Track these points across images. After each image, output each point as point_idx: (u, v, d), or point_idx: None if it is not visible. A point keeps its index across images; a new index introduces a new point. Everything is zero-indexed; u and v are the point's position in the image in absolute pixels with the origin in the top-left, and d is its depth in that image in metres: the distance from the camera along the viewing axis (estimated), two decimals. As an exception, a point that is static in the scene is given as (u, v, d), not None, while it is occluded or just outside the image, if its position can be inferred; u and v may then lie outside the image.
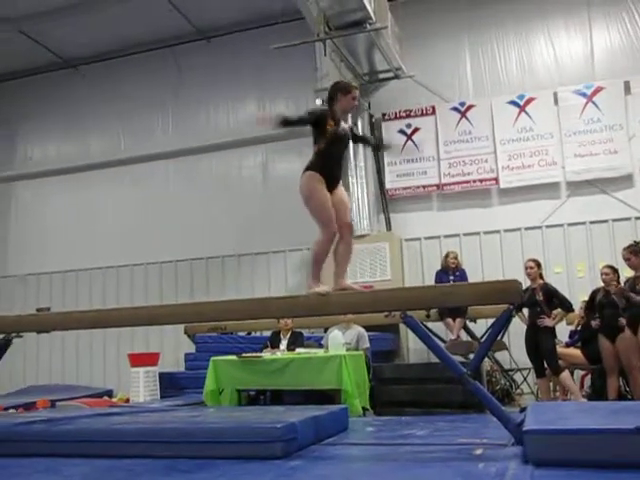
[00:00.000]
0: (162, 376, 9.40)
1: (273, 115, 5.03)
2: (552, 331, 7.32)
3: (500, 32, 10.81)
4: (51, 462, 4.35)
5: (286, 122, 4.82)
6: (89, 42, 12.58)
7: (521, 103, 10.39)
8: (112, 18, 11.72)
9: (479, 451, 4.14)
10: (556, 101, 10.27)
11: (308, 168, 4.81)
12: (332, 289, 4.70)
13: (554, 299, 7.33)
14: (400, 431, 5.19)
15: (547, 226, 10.07)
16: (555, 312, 7.38)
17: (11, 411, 8.21)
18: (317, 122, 4.81)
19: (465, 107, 10.68)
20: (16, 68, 13.45)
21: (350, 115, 10.66)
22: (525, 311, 7.49)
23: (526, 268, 7.55)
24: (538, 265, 7.56)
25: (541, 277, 7.52)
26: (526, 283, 7.54)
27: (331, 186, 4.78)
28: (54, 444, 4.69)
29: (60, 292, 12.71)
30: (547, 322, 7.22)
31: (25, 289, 13.04)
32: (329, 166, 4.81)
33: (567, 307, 7.36)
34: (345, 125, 5.01)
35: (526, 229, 10.17)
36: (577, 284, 9.51)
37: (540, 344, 7.23)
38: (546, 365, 7.35)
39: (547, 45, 10.57)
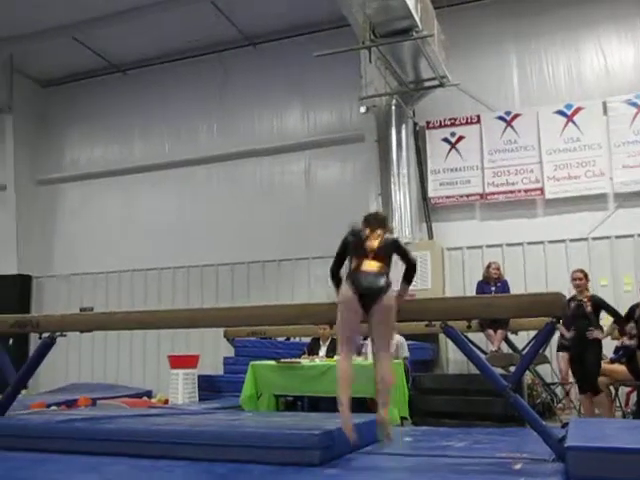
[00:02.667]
0: (201, 378, 9.46)
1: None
2: (599, 345, 7.13)
3: (548, 40, 10.67)
4: (91, 460, 4.42)
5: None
6: (137, 47, 12.81)
7: (569, 113, 10.22)
8: (160, 24, 11.94)
9: (519, 466, 4.07)
10: (605, 111, 10.08)
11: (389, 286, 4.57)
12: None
13: (602, 311, 7.13)
14: (438, 442, 5.13)
15: (593, 238, 9.87)
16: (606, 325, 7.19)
17: (53, 408, 8.36)
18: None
19: (511, 116, 10.55)
20: (66, 73, 13.78)
21: (395, 124, 10.70)
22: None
23: (574, 279, 7.34)
24: (586, 276, 7.35)
25: (587, 289, 7.33)
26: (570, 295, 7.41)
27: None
28: (94, 442, 4.76)
29: (103, 292, 12.93)
30: (597, 334, 7.02)
31: (69, 289, 13.30)
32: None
33: (621, 318, 7.13)
34: None
35: (571, 241, 9.98)
36: (624, 298, 9.27)
37: (585, 358, 7.04)
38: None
39: (597, 53, 10.39)
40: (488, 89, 10.79)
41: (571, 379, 8.37)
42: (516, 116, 10.53)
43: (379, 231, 4.63)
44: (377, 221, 4.73)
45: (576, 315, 7.08)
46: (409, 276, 4.72)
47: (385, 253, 4.59)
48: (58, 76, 13.90)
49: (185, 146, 12.81)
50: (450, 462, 4.29)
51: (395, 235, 4.99)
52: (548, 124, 10.30)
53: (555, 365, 8.89)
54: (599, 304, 7.13)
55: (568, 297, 7.27)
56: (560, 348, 8.51)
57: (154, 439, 4.66)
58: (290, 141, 12.05)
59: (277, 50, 12.18)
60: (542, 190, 10.22)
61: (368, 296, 4.45)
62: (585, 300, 7.13)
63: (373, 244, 4.56)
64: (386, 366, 4.62)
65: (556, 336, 7.48)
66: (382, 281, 4.50)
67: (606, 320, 7.39)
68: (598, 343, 7.10)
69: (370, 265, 4.52)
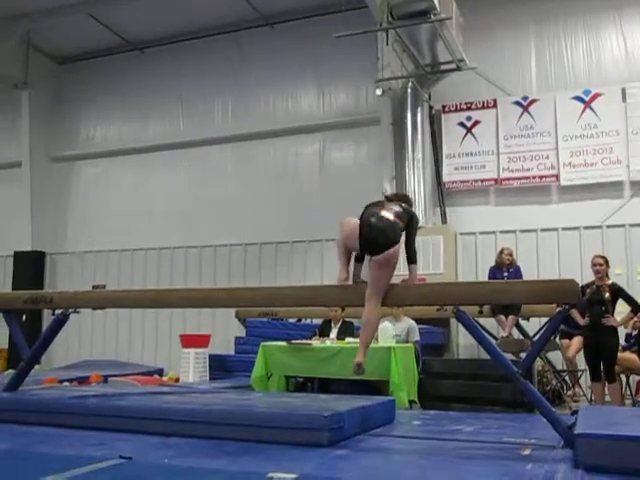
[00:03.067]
0: (212, 358, 9.52)
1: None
2: (615, 332, 7.09)
3: (568, 24, 10.54)
4: (102, 436, 4.47)
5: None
6: (154, 25, 12.77)
7: (586, 99, 10.11)
8: (177, 2, 11.88)
9: (527, 451, 4.07)
10: (624, 97, 9.96)
11: (400, 241, 4.78)
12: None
13: (620, 299, 7.07)
14: (447, 426, 5.14)
15: (608, 226, 9.80)
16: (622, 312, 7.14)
17: (65, 384, 8.44)
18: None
19: (528, 101, 10.46)
20: (82, 50, 13.78)
21: (410, 107, 10.64)
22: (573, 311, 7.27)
23: (594, 265, 7.25)
24: (607, 262, 7.26)
25: (607, 275, 7.24)
26: (584, 282, 7.38)
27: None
28: (106, 418, 4.81)
29: (116, 270, 13.02)
30: (613, 321, 6.98)
31: (82, 266, 13.40)
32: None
33: (638, 307, 7.09)
34: None
35: (585, 228, 9.92)
36: (637, 287, 9.23)
37: (602, 345, 7.00)
38: (602, 368, 7.12)
39: (617, 38, 10.25)
40: (505, 74, 10.69)
41: (581, 366, 8.38)
42: (533, 101, 10.43)
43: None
44: (397, 196, 5.25)
45: (592, 301, 7.03)
46: (410, 250, 4.89)
47: (402, 216, 4.83)
48: (74, 53, 13.90)
49: (200, 126, 12.81)
50: (459, 446, 4.30)
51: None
52: (565, 110, 10.20)
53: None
54: (618, 292, 7.06)
55: (585, 283, 7.26)
56: (563, 335, 8.48)
57: (165, 416, 4.70)
58: (305, 122, 12.02)
59: (294, 31, 12.11)
60: (557, 177, 10.15)
61: (369, 239, 4.68)
62: (604, 287, 7.07)
63: (392, 204, 4.93)
64: (366, 310, 4.79)
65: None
66: (389, 230, 4.70)
67: (622, 307, 7.32)
68: (614, 330, 7.05)
69: (387, 213, 4.77)
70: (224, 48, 12.64)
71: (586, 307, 7.08)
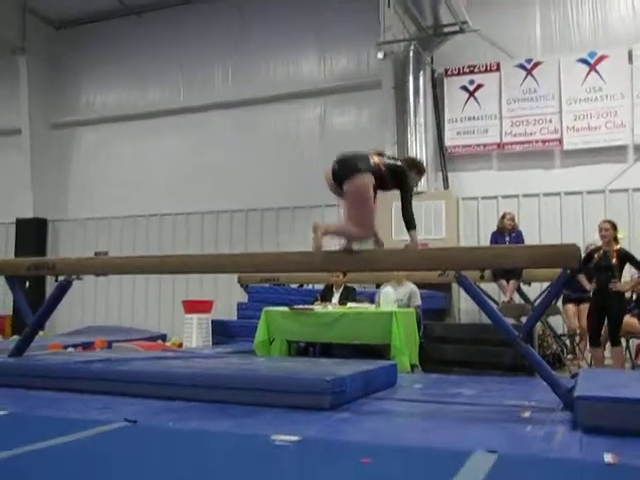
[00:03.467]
0: (215, 323, 9.59)
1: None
2: (622, 297, 7.07)
3: (574, -16, 10.35)
4: (107, 399, 4.53)
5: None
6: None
7: (592, 61, 9.98)
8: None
9: (527, 414, 4.12)
10: (630, 59, 9.82)
11: (366, 170, 4.74)
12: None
13: (627, 264, 7.05)
14: (448, 390, 5.20)
15: (611, 190, 9.76)
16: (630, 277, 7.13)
17: (70, 350, 8.52)
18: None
19: (531, 64, 10.33)
20: (79, 15, 13.60)
21: (412, 71, 10.53)
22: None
23: (600, 230, 7.17)
24: (614, 227, 7.14)
25: (616, 240, 7.17)
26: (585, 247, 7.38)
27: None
28: (111, 383, 4.87)
29: (118, 237, 13.03)
30: (620, 286, 6.97)
31: (85, 233, 13.41)
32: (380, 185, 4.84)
33: None
34: None
35: (588, 193, 9.88)
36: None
37: (608, 309, 6.97)
38: (605, 332, 7.14)
39: (625, -3, 10.08)
40: (509, 36, 10.55)
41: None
42: (537, 64, 10.31)
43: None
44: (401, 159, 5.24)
45: (599, 267, 7.02)
46: (405, 217, 4.82)
47: (389, 166, 4.84)
48: (72, 18, 13.72)
49: (200, 91, 12.71)
50: (460, 409, 4.36)
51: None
52: (570, 73, 10.08)
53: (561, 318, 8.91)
54: (626, 257, 7.01)
55: (592, 248, 7.25)
56: (566, 300, 8.49)
57: (169, 381, 4.75)
58: (306, 87, 11.91)
59: (295, -7, 11.94)
60: (560, 141, 10.08)
61: (334, 171, 4.79)
62: (612, 252, 7.05)
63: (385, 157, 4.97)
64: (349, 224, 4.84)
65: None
66: (356, 159, 4.77)
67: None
68: (621, 295, 7.04)
69: (369, 156, 4.83)
70: (224, 13, 12.47)
71: (593, 272, 7.08)
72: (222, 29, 12.53)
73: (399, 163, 4.99)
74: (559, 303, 8.55)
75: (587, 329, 7.41)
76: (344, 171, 4.73)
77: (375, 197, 4.81)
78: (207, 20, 12.61)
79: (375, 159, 4.81)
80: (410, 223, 4.85)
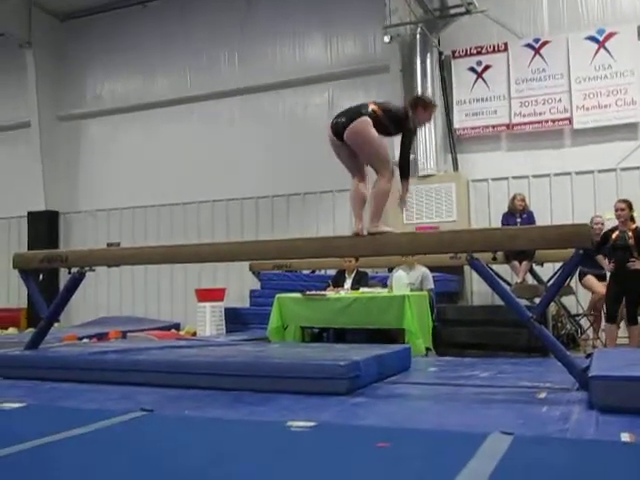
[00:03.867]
0: (228, 311, 9.64)
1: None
2: None
3: (581, -40, 10.22)
4: (124, 390, 4.57)
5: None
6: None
7: (600, 38, 9.87)
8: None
9: (542, 395, 4.12)
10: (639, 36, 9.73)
11: (363, 114, 4.83)
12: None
13: None
14: (463, 372, 5.20)
15: (622, 169, 9.69)
16: None
17: (85, 341, 8.58)
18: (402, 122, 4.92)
19: (539, 43, 10.23)
20: (84, 7, 13.57)
21: (419, 53, 10.45)
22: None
23: (616, 210, 7.13)
24: (629, 206, 7.10)
25: (632, 220, 7.09)
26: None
27: None
28: (126, 373, 4.91)
29: (129, 228, 13.08)
30: (638, 265, 6.87)
31: (96, 224, 13.46)
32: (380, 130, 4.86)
33: None
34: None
35: (599, 172, 9.81)
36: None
37: (628, 289, 6.91)
38: (621, 311, 7.10)
39: (634, -28, 9.94)
40: (516, 15, 10.44)
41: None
42: (545, 43, 10.21)
43: None
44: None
45: (616, 247, 6.98)
46: (403, 157, 4.92)
47: (389, 111, 4.89)
48: (77, 10, 13.69)
49: (207, 79, 12.67)
50: (474, 391, 4.36)
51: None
52: (578, 51, 9.98)
53: (583, 298, 8.86)
54: None
55: (609, 228, 7.21)
56: (585, 274, 8.36)
57: (184, 370, 4.78)
58: (313, 73, 11.85)
59: (299, -22, 11.85)
60: (570, 120, 10.00)
61: (333, 128, 4.91)
62: (628, 231, 6.99)
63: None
64: (376, 186, 4.91)
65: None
66: (352, 109, 4.94)
67: None
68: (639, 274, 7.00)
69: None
70: (229, 0, 12.42)
71: (611, 253, 7.05)
72: (227, 16, 12.46)
73: (398, 107, 5.02)
74: (573, 282, 8.50)
75: (606, 306, 7.37)
76: (343, 123, 4.83)
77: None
78: (212, 8, 12.55)
79: (372, 106, 4.88)
80: (405, 170, 4.93)
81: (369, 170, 5.07)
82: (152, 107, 13.09)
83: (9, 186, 13.83)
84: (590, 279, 8.16)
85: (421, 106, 4.97)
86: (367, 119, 4.77)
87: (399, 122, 4.86)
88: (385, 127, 4.84)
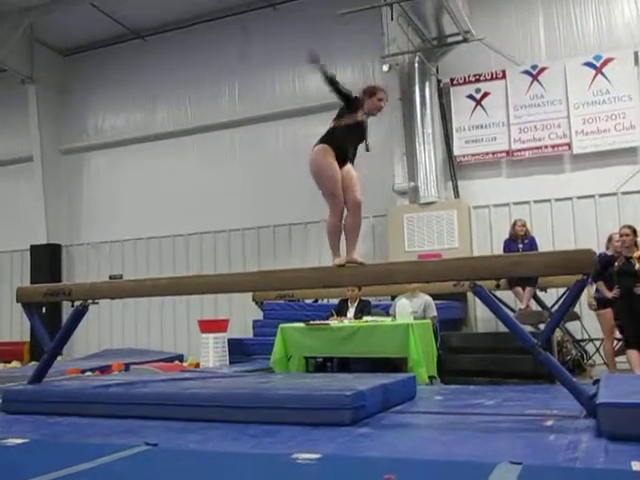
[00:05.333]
0: (231, 342, 9.57)
1: (324, 62, 5.12)
2: None
3: (577, -13, 10.35)
4: (127, 423, 4.52)
5: (331, 78, 4.95)
6: (156, 12, 12.71)
7: (597, 64, 9.97)
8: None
9: (550, 422, 4.08)
10: (636, 61, 9.82)
11: (321, 141, 4.88)
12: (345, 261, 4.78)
13: None
14: (468, 400, 5.15)
15: (623, 193, 9.72)
16: None
17: (88, 374, 8.54)
18: (352, 102, 4.95)
19: (537, 70, 10.34)
20: (86, 41, 13.76)
21: (418, 82, 10.52)
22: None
23: (621, 235, 7.12)
24: (634, 232, 7.06)
25: (636, 245, 7.06)
26: (600, 251, 7.33)
27: (341, 164, 4.87)
28: (130, 406, 4.86)
29: (132, 259, 13.10)
30: None
31: (98, 256, 13.49)
32: (344, 146, 4.89)
33: None
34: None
35: (600, 196, 9.84)
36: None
37: (636, 314, 6.84)
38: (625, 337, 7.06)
39: (629, 0, 10.05)
40: (513, 42, 10.57)
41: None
42: (542, 70, 10.31)
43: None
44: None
45: (622, 273, 6.95)
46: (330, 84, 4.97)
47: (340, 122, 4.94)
48: (78, 45, 13.88)
49: (207, 111, 12.78)
50: (481, 420, 4.32)
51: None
52: (576, 77, 10.08)
53: (588, 323, 8.80)
54: None
55: (611, 254, 7.19)
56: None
57: (188, 402, 4.74)
58: (313, 103, 11.91)
59: (298, 10, 11.98)
60: (570, 145, 10.06)
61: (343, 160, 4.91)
62: (634, 258, 6.97)
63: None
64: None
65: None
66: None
67: None
68: None
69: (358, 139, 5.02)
70: (227, 32, 12.56)
71: (616, 279, 7.02)
72: (226, 48, 12.61)
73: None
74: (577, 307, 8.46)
75: (620, 332, 7.28)
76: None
77: (346, 160, 4.89)
78: (211, 40, 12.70)
79: (330, 124, 4.94)
80: (330, 80, 4.97)
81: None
82: (153, 139, 13.20)
83: (11, 220, 13.89)
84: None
85: (369, 94, 5.03)
86: (319, 147, 4.85)
87: (353, 111, 4.90)
88: (352, 125, 4.88)
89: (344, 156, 4.87)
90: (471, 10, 10.07)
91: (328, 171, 4.79)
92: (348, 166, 4.92)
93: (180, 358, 11.02)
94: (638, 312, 6.86)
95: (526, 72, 10.41)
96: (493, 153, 10.52)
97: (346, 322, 7.64)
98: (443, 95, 10.84)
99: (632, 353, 7.15)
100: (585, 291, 7.28)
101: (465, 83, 10.77)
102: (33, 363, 10.38)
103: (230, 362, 9.30)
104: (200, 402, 4.70)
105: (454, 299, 9.19)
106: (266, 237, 12.12)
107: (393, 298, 8.61)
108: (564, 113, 10.13)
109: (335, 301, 9.01)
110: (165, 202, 12.77)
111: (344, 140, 4.88)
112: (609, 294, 7.11)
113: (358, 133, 4.97)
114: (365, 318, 7.67)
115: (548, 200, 10.12)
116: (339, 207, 4.84)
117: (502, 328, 6.24)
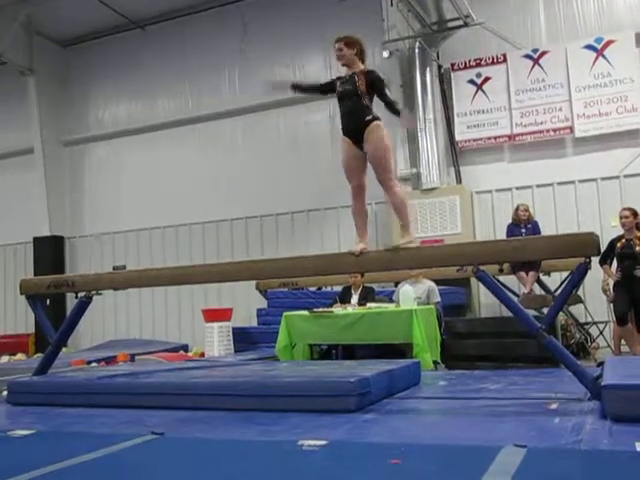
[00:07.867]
0: (235, 331, 9.60)
1: (286, 82, 5.30)
2: None
3: (576, -31, 10.27)
4: (134, 413, 4.54)
5: (305, 89, 5.06)
6: (155, 1, 12.65)
7: (599, 47, 9.91)
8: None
9: (554, 406, 4.09)
10: (638, 43, 9.75)
11: (375, 117, 5.10)
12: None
13: None
14: (473, 385, 5.16)
15: (625, 176, 9.69)
16: None
17: (93, 365, 8.57)
18: (325, 88, 5.31)
19: (538, 54, 10.28)
20: (85, 32, 13.71)
21: (419, 67, 10.47)
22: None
23: (621, 217, 7.15)
24: (634, 214, 7.09)
25: (637, 227, 7.09)
26: (603, 235, 7.32)
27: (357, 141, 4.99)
28: (136, 396, 4.88)
29: (135, 250, 13.11)
30: None
31: (101, 248, 13.50)
32: (343, 123, 5.10)
33: None
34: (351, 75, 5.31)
35: (602, 179, 9.81)
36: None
37: (635, 297, 6.89)
38: (632, 318, 7.06)
39: (629, -18, 9.99)
40: (514, 26, 10.50)
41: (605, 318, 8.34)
42: (543, 53, 10.25)
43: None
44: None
45: (623, 255, 6.95)
46: (385, 102, 5.16)
47: (361, 82, 5.17)
48: (78, 35, 13.83)
49: (208, 100, 12.75)
50: (485, 404, 4.33)
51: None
52: (577, 60, 10.02)
53: (591, 306, 8.82)
54: None
55: (615, 237, 7.19)
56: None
57: (193, 391, 4.76)
58: (313, 90, 11.90)
59: (297, -2, 11.94)
60: (571, 128, 10.02)
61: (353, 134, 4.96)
62: (634, 239, 6.97)
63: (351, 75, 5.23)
64: (392, 195, 4.92)
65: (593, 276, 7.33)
66: (355, 112, 5.03)
67: None
68: None
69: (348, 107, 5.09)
70: (227, 21, 12.51)
71: (617, 261, 7.02)
72: (226, 36, 12.55)
73: (362, 68, 5.36)
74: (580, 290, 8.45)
75: (614, 312, 7.32)
76: (351, 126, 5.06)
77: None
78: (211, 29, 12.65)
79: (361, 87, 5.19)
80: (391, 106, 5.14)
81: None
82: (154, 129, 13.17)
83: (14, 212, 13.90)
84: None
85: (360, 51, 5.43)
86: (380, 124, 4.97)
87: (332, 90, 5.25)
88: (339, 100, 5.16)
89: (349, 133, 5.07)
90: (471, -6, 10.01)
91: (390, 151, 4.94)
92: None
93: (185, 348, 11.04)
94: (637, 296, 6.87)
95: (527, 56, 10.35)
96: (495, 138, 10.48)
97: (350, 309, 7.65)
98: (444, 80, 10.80)
99: (624, 328, 7.13)
100: (601, 276, 7.31)
101: (466, 68, 10.72)
102: (38, 355, 10.42)
103: (235, 351, 9.33)
104: (205, 391, 4.72)
105: (458, 285, 9.20)
106: (268, 226, 12.11)
107: (396, 284, 8.61)
108: (565, 97, 10.08)
109: (338, 288, 9.02)
110: (167, 192, 12.76)
111: (342, 118, 5.12)
112: (613, 277, 7.12)
113: (345, 103, 5.20)
114: (369, 305, 7.68)
115: (550, 184, 10.10)
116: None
117: (506, 313, 6.24)
